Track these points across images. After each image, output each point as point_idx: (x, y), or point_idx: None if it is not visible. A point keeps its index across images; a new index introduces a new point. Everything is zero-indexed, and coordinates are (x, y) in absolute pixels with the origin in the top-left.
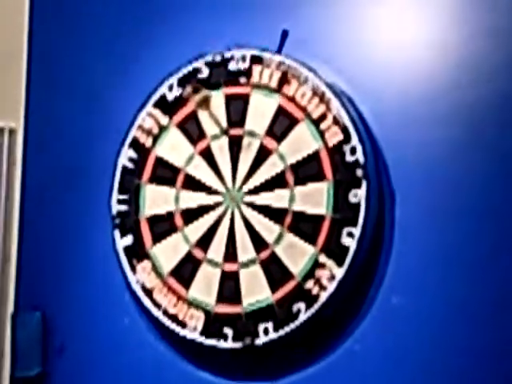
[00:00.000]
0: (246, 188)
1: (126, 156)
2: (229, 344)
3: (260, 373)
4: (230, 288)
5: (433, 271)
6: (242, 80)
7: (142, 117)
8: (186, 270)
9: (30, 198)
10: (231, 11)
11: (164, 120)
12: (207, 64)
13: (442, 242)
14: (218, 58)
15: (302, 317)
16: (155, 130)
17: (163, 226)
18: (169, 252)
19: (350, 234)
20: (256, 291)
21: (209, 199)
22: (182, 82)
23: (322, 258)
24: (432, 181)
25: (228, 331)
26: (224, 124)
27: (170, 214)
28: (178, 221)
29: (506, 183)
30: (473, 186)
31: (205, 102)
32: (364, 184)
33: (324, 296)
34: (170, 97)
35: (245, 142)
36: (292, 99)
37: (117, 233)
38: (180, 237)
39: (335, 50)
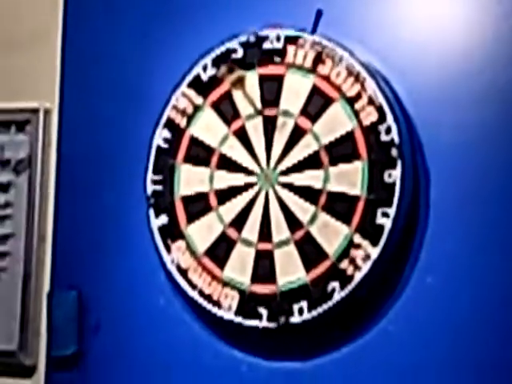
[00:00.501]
0: (280, 168)
1: (161, 136)
2: (263, 323)
3: (294, 352)
4: (264, 267)
5: (468, 251)
6: (277, 60)
7: (176, 97)
8: (220, 250)
9: (65, 178)
10: None
11: (198, 100)
12: (241, 44)
13: (477, 221)
14: (253, 38)
15: (337, 296)
16: (189, 110)
17: (198, 205)
18: (203, 232)
19: (385, 214)
20: (290, 271)
21: (243, 179)
22: (216, 62)
23: (357, 238)
24: (467, 161)
25: (263, 311)
26: (258, 104)
27: (205, 194)
28: (213, 201)
29: None
30: (509, 166)
31: (239, 82)
32: (399, 164)
33: (359, 276)
34: (205, 77)
35: (279, 122)
36: (327, 79)
37: (152, 213)
38: (214, 216)
39: (370, 29)
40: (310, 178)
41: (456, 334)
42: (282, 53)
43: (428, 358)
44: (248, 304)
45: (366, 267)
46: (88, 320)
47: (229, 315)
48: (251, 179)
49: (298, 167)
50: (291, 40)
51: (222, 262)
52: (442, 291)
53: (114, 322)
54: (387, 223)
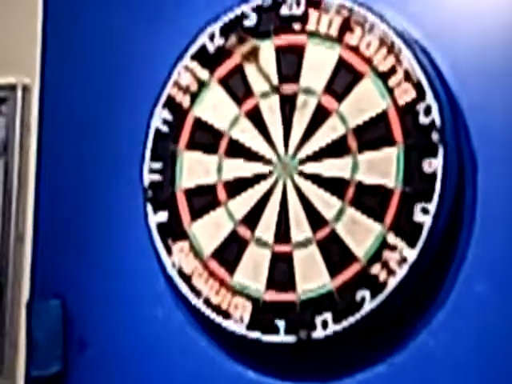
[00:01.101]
0: (300, 155)
1: (160, 117)
2: (281, 338)
3: (317, 372)
4: (281, 272)
5: None
6: (296, 27)
7: (178, 71)
8: (230, 252)
9: (46, 166)
10: None
11: (204, 75)
12: (255, 9)
13: None
14: (268, 2)
15: (367, 307)
16: (193, 87)
17: (203, 199)
18: (210, 230)
19: (424, 210)
20: (313, 276)
21: (257, 168)
22: (225, 31)
23: (391, 238)
24: None
25: (280, 323)
26: (275, 80)
27: (212, 186)
28: (221, 194)
29: None
30: None
31: (252, 54)
32: (441, 151)
33: (393, 282)
34: (212, 48)
35: (299, 101)
36: (355, 50)
37: (149, 207)
38: (223, 212)
39: None
40: (336, 168)
41: (510, 350)
42: (302, 19)
43: (475, 379)
44: (262, 315)
45: (401, 272)
46: (73, 334)
47: (240, 328)
48: (266, 168)
49: (322, 154)
50: (313, 4)
51: (231, 266)
52: (493, 300)
53: (103, 337)
54: (427, 220)
